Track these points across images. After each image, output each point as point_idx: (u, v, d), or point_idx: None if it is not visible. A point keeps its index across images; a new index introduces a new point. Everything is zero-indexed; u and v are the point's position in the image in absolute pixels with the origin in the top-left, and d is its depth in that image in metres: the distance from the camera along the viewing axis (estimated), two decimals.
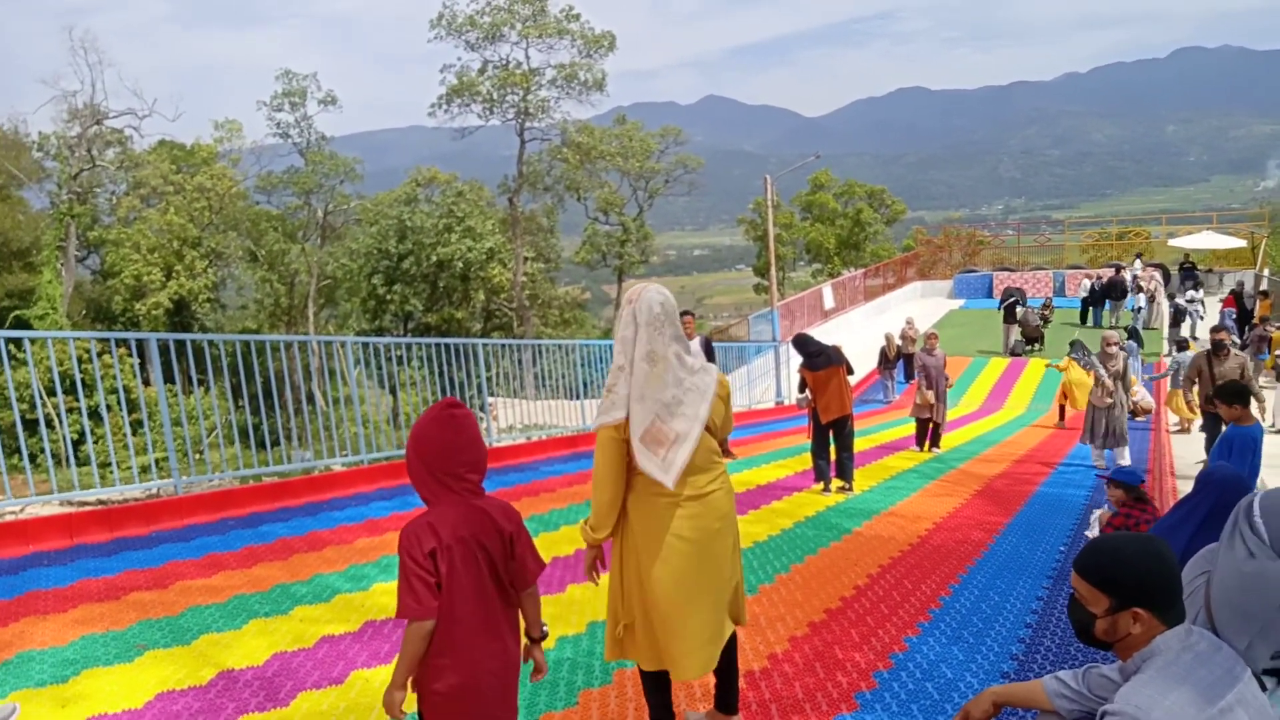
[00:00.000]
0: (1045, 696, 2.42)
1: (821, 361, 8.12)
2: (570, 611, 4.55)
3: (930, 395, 11.19)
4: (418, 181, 40.16)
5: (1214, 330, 9.12)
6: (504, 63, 38.64)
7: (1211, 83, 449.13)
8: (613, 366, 2.89)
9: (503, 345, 11.34)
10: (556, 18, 37.92)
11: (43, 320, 30.23)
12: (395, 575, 2.31)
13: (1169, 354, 19.52)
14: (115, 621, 4.22)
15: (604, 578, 3.07)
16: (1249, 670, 1.97)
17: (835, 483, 8.17)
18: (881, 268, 34.75)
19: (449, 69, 38.84)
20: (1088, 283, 26.55)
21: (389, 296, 36.77)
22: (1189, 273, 29.23)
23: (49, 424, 21.16)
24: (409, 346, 9.89)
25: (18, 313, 30.94)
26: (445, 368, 9.21)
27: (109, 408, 18.16)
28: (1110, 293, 25.17)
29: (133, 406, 18.27)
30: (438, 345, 9.33)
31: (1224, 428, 6.26)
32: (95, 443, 14.92)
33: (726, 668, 3.11)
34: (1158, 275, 26.31)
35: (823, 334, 21.52)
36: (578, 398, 11.21)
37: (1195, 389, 9.34)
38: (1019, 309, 23.41)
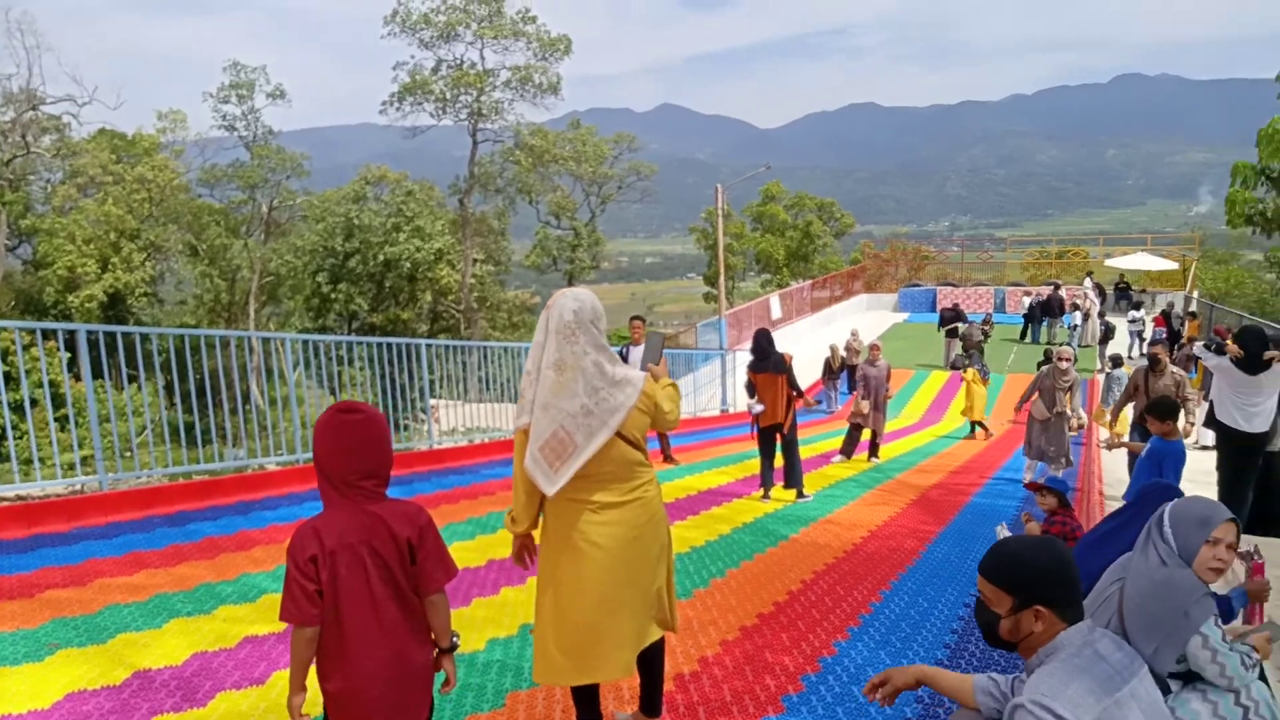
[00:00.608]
0: (971, 691, 2.46)
1: (765, 365, 8.24)
2: (502, 614, 4.52)
3: (865, 405, 11.37)
4: (367, 179, 39.61)
5: (1151, 344, 9.24)
6: (458, 63, 38.42)
7: (1151, 110, 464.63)
8: (525, 371, 2.90)
9: (447, 347, 11.23)
10: (513, 19, 37.82)
11: None
12: None
13: (1101, 370, 20.10)
14: (27, 620, 4.08)
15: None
16: (1145, 667, 2.04)
17: (775, 489, 8.26)
18: (829, 280, 35.20)
19: (402, 67, 38.56)
20: (1027, 300, 27.26)
21: (334, 295, 36.20)
22: (1124, 293, 30.17)
23: None
24: (352, 346, 9.74)
25: None
26: (388, 368, 9.09)
27: (34, 402, 17.57)
28: (1048, 310, 25.89)
29: (60, 402, 17.69)
30: (381, 345, 9.21)
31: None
32: (19, 438, 14.42)
33: (650, 671, 3.11)
34: (1093, 294, 27.10)
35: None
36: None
37: (1131, 405, 9.48)
38: (960, 326, 23.99)
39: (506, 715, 3.39)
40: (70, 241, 33.29)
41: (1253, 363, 6.53)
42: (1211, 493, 6.84)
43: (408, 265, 35.51)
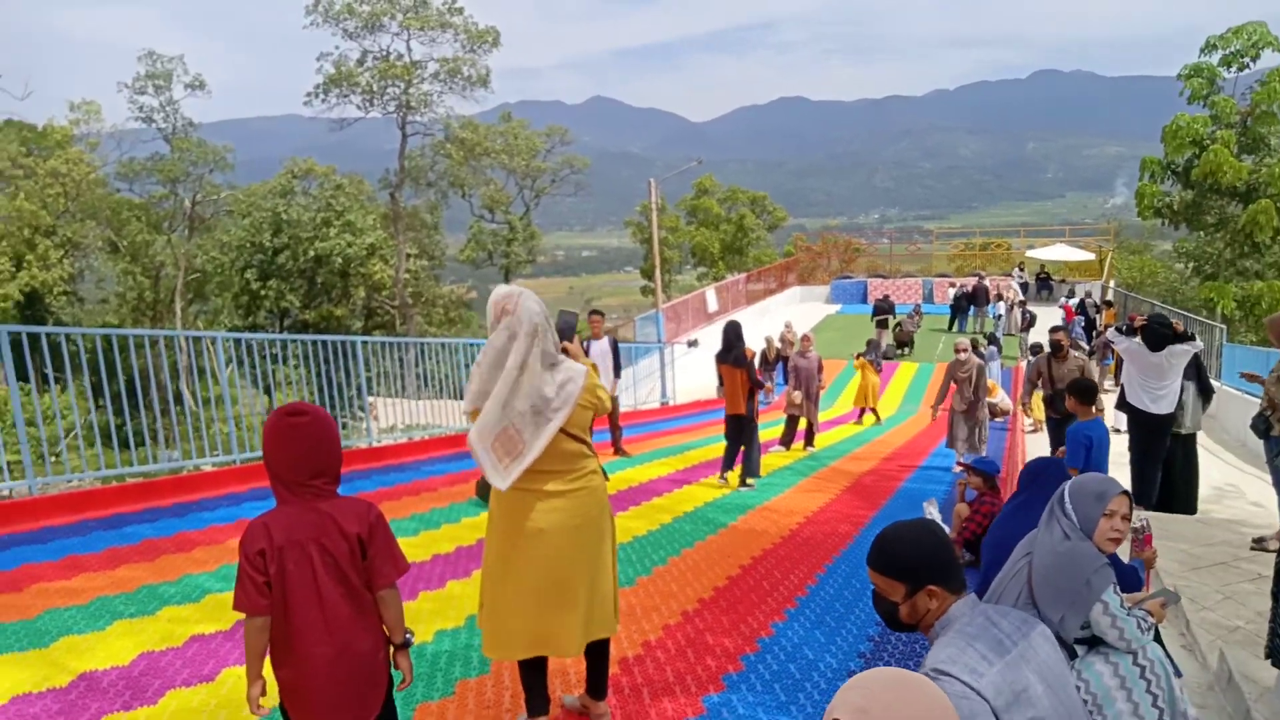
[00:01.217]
0: None
1: (726, 358, 8.59)
2: (449, 606, 4.59)
3: (797, 396, 11.67)
4: (293, 173, 38.68)
5: (1052, 331, 9.24)
6: (384, 54, 37.82)
7: (1067, 104, 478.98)
8: (476, 363, 3.02)
9: (384, 344, 11.15)
10: (439, 10, 37.35)
11: None
12: None
13: (1023, 357, 20.86)
14: None
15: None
16: (1037, 628, 2.22)
17: (733, 475, 8.58)
18: (763, 272, 35.70)
19: (326, 58, 37.77)
20: (953, 291, 28.10)
21: (263, 292, 35.33)
22: (1044, 283, 31.27)
23: None
24: (285, 344, 9.62)
25: None
26: (324, 366, 9.02)
27: None
28: (974, 300, 26.73)
29: None
30: (316, 343, 9.13)
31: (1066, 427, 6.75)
32: None
33: (596, 656, 3.25)
34: (1015, 285, 28.03)
35: (707, 336, 22.01)
36: (462, 398, 11.11)
37: (1037, 392, 9.79)
38: (890, 318, 24.86)
39: (457, 703, 3.48)
40: None
41: (1155, 337, 6.98)
42: (1124, 473, 7.24)
43: (339, 261, 34.86)
